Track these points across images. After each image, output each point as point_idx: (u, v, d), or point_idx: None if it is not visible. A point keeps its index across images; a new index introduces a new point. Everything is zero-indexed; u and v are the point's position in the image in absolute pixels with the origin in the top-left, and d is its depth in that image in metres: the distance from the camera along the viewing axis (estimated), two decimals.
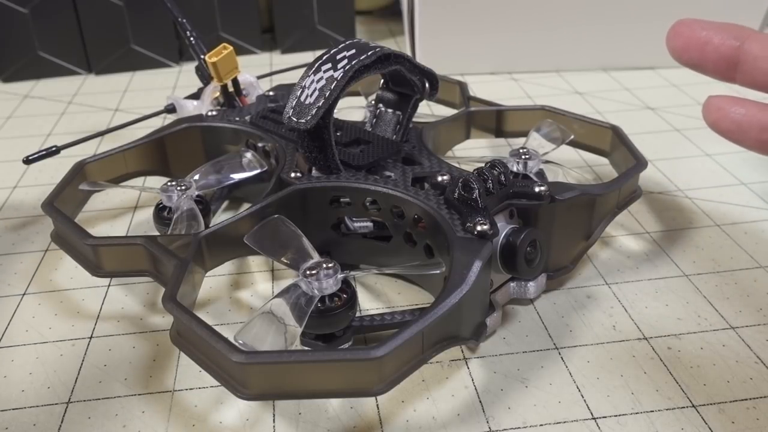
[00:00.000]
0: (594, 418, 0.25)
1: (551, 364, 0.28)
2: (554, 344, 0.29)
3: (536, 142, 0.36)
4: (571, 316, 0.30)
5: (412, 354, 0.24)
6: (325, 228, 0.32)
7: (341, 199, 0.31)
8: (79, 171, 0.34)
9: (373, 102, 0.36)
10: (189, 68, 0.62)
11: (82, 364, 0.29)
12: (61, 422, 0.26)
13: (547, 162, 0.35)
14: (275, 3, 0.63)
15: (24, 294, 0.33)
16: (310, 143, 0.31)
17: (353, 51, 0.30)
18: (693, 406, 0.26)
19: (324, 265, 0.26)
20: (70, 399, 0.27)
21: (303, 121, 0.29)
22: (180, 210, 0.32)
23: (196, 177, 0.34)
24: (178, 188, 0.33)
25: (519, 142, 0.39)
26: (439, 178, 0.30)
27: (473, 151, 0.45)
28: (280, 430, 0.25)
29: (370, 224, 0.32)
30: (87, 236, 0.29)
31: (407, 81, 0.33)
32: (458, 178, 0.28)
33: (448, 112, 0.41)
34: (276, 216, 0.29)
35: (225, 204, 0.39)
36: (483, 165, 0.29)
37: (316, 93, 0.29)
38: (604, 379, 0.27)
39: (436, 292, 0.30)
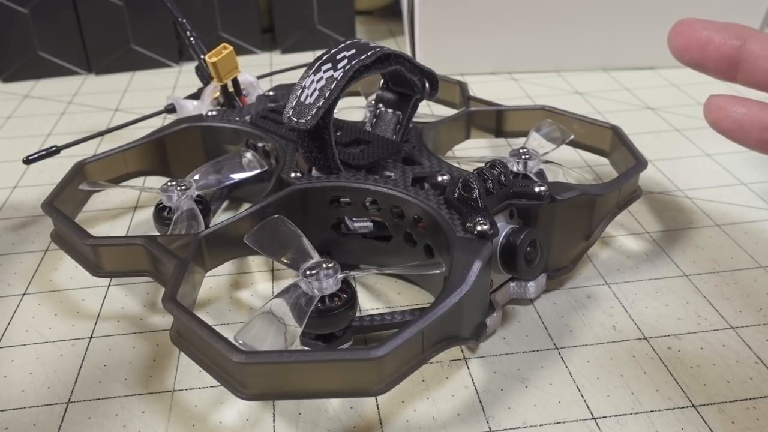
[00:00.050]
0: (594, 418, 0.25)
1: (551, 364, 0.28)
2: (554, 344, 0.29)
3: (536, 142, 0.36)
4: (571, 316, 0.30)
5: (412, 354, 0.24)
6: (325, 228, 0.32)
7: (341, 199, 0.31)
8: (79, 171, 0.34)
9: (373, 102, 0.36)
10: (189, 68, 0.62)
11: (82, 364, 0.29)
12: (61, 422, 0.26)
13: (547, 162, 0.35)
14: (275, 3, 0.63)
15: (24, 294, 0.33)
16: (310, 143, 0.31)
17: (353, 51, 0.30)
18: (693, 406, 0.26)
19: (324, 265, 0.26)
20: (70, 399, 0.27)
21: (303, 121, 0.29)
22: (180, 210, 0.32)
23: (196, 177, 0.34)
24: (178, 188, 0.33)
25: (519, 142, 0.39)
26: (439, 178, 0.30)
27: (473, 151, 0.45)
28: (280, 430, 0.25)
29: (370, 224, 0.32)
30: (87, 236, 0.29)
31: (407, 81, 0.33)
32: (458, 178, 0.28)
33: (448, 112, 0.41)
34: (276, 216, 0.29)
35: (225, 204, 0.39)
36: (483, 165, 0.29)
37: (316, 93, 0.29)
38: (604, 379, 0.27)
39: (436, 292, 0.30)
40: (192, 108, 0.40)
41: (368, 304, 0.32)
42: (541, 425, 0.25)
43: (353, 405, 0.26)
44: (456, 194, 0.28)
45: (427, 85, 0.33)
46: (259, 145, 0.36)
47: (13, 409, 0.26)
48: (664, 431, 0.25)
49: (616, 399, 0.26)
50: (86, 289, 0.33)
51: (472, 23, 0.55)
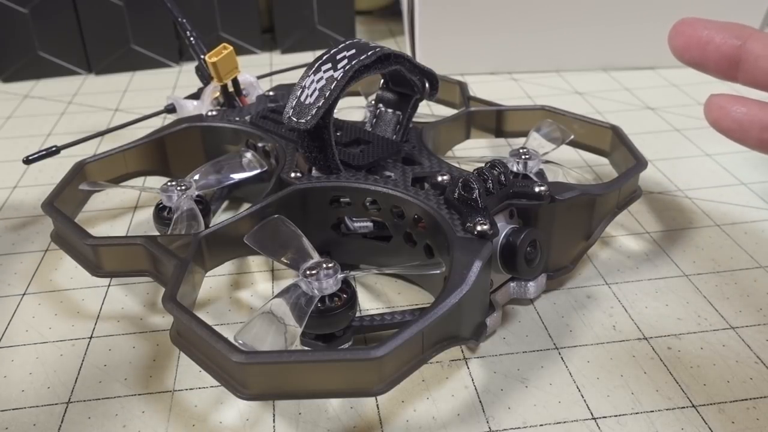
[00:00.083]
0: (594, 418, 0.25)
1: (551, 364, 0.28)
2: (554, 344, 0.29)
3: (536, 142, 0.36)
4: (571, 316, 0.30)
5: (412, 354, 0.24)
6: (325, 228, 0.32)
7: (341, 199, 0.31)
8: (79, 171, 0.34)
9: (373, 102, 0.36)
10: (189, 68, 0.62)
11: (82, 364, 0.29)
12: (61, 422, 0.26)
13: (547, 162, 0.35)
14: (275, 3, 0.63)
15: (24, 294, 0.33)
16: (310, 143, 0.31)
17: (353, 51, 0.30)
18: (693, 406, 0.26)
19: (324, 265, 0.26)
20: (70, 399, 0.27)
21: (303, 121, 0.29)
22: (180, 210, 0.32)
23: (196, 177, 0.34)
24: (178, 188, 0.33)
25: (519, 142, 0.39)
26: (439, 178, 0.30)
27: (473, 151, 0.45)
28: (280, 430, 0.25)
29: (370, 224, 0.32)
30: (87, 236, 0.29)
31: (407, 81, 0.33)
32: (458, 178, 0.28)
33: (448, 112, 0.41)
34: (276, 216, 0.29)
35: (225, 204, 0.39)
36: (483, 165, 0.29)
37: (316, 93, 0.29)
38: (604, 379, 0.27)
39: (436, 292, 0.30)
40: (192, 108, 0.40)
41: (368, 304, 0.32)
42: (541, 425, 0.25)
43: (353, 405, 0.26)
44: (456, 194, 0.28)
45: (427, 85, 0.33)
46: (259, 145, 0.36)
47: (13, 409, 0.26)
48: (664, 431, 0.25)
49: (616, 399, 0.26)
50: (86, 289, 0.33)
51: (472, 23, 0.55)
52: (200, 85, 0.41)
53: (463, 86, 0.41)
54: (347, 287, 0.27)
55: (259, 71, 0.46)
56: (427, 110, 0.48)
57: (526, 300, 0.31)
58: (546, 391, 0.27)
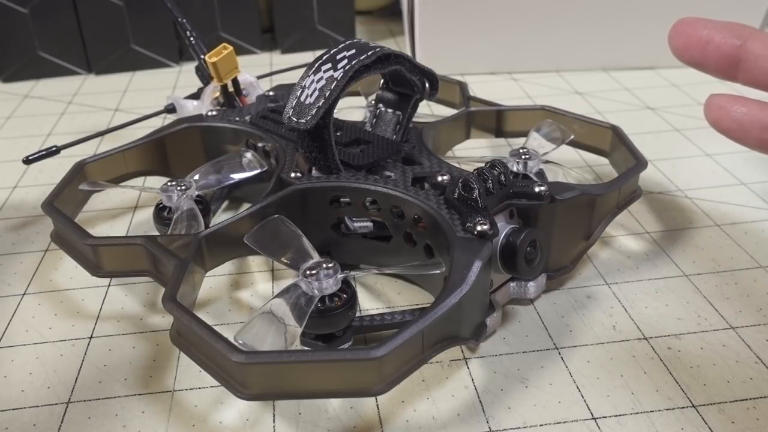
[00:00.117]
0: (594, 418, 0.25)
1: (551, 364, 0.28)
2: (554, 344, 0.29)
3: (536, 142, 0.36)
4: (571, 316, 0.30)
5: (412, 354, 0.24)
6: (325, 228, 0.32)
7: (341, 199, 0.31)
8: (79, 171, 0.34)
9: (373, 102, 0.36)
10: (189, 68, 0.62)
11: (82, 364, 0.29)
12: (61, 422, 0.26)
13: (547, 162, 0.35)
14: (275, 3, 0.63)
15: (24, 294, 0.33)
16: (310, 143, 0.31)
17: (353, 51, 0.30)
18: (693, 406, 0.26)
19: (324, 265, 0.26)
20: (70, 399, 0.27)
21: (303, 121, 0.29)
22: (180, 210, 0.32)
23: (196, 177, 0.34)
24: (178, 188, 0.33)
25: (519, 142, 0.39)
26: (439, 178, 0.30)
27: (473, 151, 0.45)
28: (280, 430, 0.25)
29: (370, 224, 0.32)
30: (87, 236, 0.29)
31: (407, 81, 0.33)
32: (458, 178, 0.28)
33: (448, 112, 0.41)
34: (276, 216, 0.29)
35: (225, 204, 0.39)
36: (483, 165, 0.29)
37: (316, 93, 0.29)
38: (604, 379, 0.27)
39: (436, 292, 0.30)
40: (192, 108, 0.40)
41: (368, 304, 0.32)
42: (541, 425, 0.25)
43: (353, 405, 0.26)
44: (456, 194, 0.28)
45: (427, 85, 0.33)
46: (259, 145, 0.36)
47: (13, 409, 0.26)
48: (664, 431, 0.25)
49: (616, 399, 0.26)
50: (86, 289, 0.33)
51: (472, 23, 0.55)
52: (200, 85, 0.41)
53: (463, 86, 0.41)
54: (347, 287, 0.27)
55: (259, 71, 0.46)
56: (427, 110, 0.48)
57: (526, 300, 0.31)
58: (546, 391, 0.27)
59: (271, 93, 0.40)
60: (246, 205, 0.38)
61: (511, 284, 0.30)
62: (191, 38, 0.42)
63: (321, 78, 0.30)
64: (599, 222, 0.32)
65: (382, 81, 0.35)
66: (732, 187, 0.40)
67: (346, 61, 0.30)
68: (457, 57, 0.57)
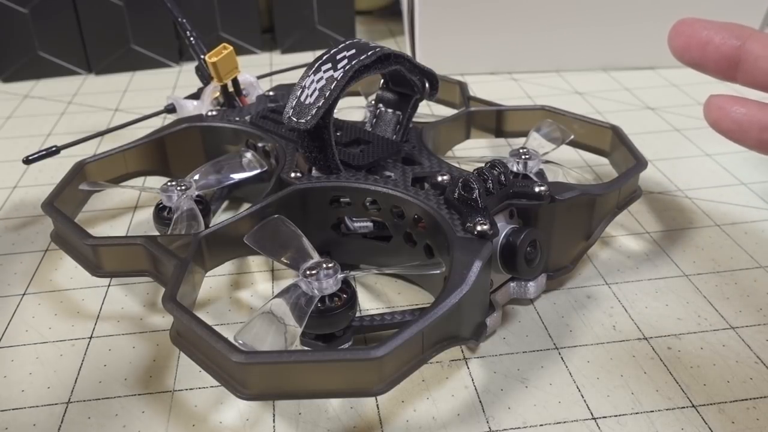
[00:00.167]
0: (594, 418, 0.25)
1: (551, 364, 0.28)
2: (554, 344, 0.29)
3: (536, 142, 0.36)
4: (571, 316, 0.30)
5: (412, 354, 0.24)
6: (325, 228, 0.32)
7: (341, 199, 0.31)
8: (79, 171, 0.34)
9: (373, 102, 0.36)
10: (189, 68, 0.62)
11: (82, 364, 0.29)
12: (61, 422, 0.26)
13: (547, 162, 0.35)
14: (275, 3, 0.63)
15: (24, 294, 0.33)
16: (310, 143, 0.31)
17: (353, 51, 0.30)
18: (693, 406, 0.26)
19: (324, 265, 0.26)
20: (70, 399, 0.27)
21: (303, 121, 0.29)
22: (180, 210, 0.32)
23: (196, 177, 0.34)
24: (178, 188, 0.33)
25: (519, 142, 0.39)
26: (439, 178, 0.30)
27: (473, 151, 0.45)
28: (280, 430, 0.25)
29: (370, 224, 0.32)
30: (87, 236, 0.29)
31: (407, 81, 0.33)
32: (458, 178, 0.28)
33: (448, 112, 0.41)
34: (276, 216, 0.29)
35: (225, 204, 0.39)
36: (483, 165, 0.29)
37: (316, 93, 0.29)
38: (604, 379, 0.27)
39: (436, 292, 0.30)
40: (192, 108, 0.40)
41: (368, 304, 0.32)
42: (541, 425, 0.25)
43: (353, 405, 0.26)
44: (456, 194, 0.28)
45: (427, 85, 0.33)
46: (259, 145, 0.36)
47: (13, 409, 0.26)
48: (664, 431, 0.25)
49: (616, 399, 0.26)
50: (86, 289, 0.33)
51: (472, 23, 0.55)
52: (200, 85, 0.41)
53: (463, 86, 0.41)
54: (347, 287, 0.27)
55: (259, 71, 0.46)
56: (427, 110, 0.48)
57: (526, 300, 0.31)
58: (546, 391, 0.27)
59: (271, 93, 0.40)
60: (246, 205, 0.38)
61: (511, 284, 0.30)
62: (191, 38, 0.42)
63: (321, 78, 0.30)
64: (599, 222, 0.32)
65: (382, 81, 0.35)
66: (732, 187, 0.40)
67: (346, 61, 0.30)
68: (457, 57, 0.57)
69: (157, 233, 0.34)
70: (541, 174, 0.35)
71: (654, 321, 0.30)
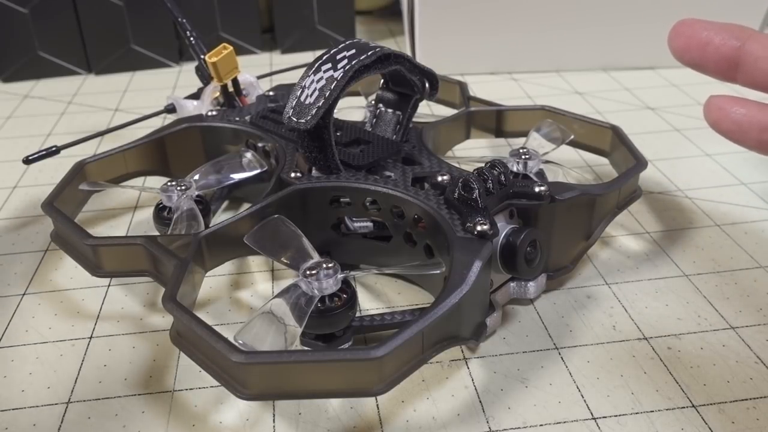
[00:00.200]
0: (594, 418, 0.25)
1: (551, 364, 0.28)
2: (554, 344, 0.29)
3: (536, 142, 0.36)
4: (571, 316, 0.30)
5: (412, 354, 0.24)
6: (325, 228, 0.32)
7: (341, 199, 0.31)
8: (79, 171, 0.34)
9: (373, 102, 0.36)
10: (189, 68, 0.62)
11: (82, 364, 0.29)
12: (61, 422, 0.26)
13: (547, 162, 0.35)
14: (275, 3, 0.63)
15: (24, 294, 0.33)
16: (310, 143, 0.31)
17: (353, 51, 0.30)
18: (693, 406, 0.26)
19: (324, 265, 0.26)
20: (70, 399, 0.27)
21: (303, 121, 0.29)
22: (180, 210, 0.32)
23: (196, 177, 0.34)
24: (178, 188, 0.33)
25: (519, 142, 0.39)
26: (439, 178, 0.30)
27: (473, 151, 0.45)
28: (280, 430, 0.25)
29: (370, 224, 0.32)
30: (87, 236, 0.29)
31: (407, 81, 0.33)
32: (458, 178, 0.28)
33: (448, 112, 0.41)
34: (276, 216, 0.29)
35: (225, 204, 0.39)
36: (483, 165, 0.29)
37: (316, 93, 0.29)
38: (604, 379, 0.27)
39: (436, 292, 0.30)
40: (192, 108, 0.40)
41: (368, 304, 0.32)
42: (541, 425, 0.25)
43: (353, 405, 0.26)
44: (456, 194, 0.28)
45: (427, 85, 0.33)
46: (259, 145, 0.36)
47: (13, 409, 0.26)
48: (664, 431, 0.25)
49: (616, 399, 0.26)
50: (86, 289, 0.33)
51: (472, 23, 0.55)
52: (200, 85, 0.41)
53: (463, 86, 0.41)
54: (347, 287, 0.27)
55: (259, 71, 0.46)
56: (427, 110, 0.48)
57: (526, 300, 0.31)
58: (546, 391, 0.27)
59: (271, 93, 0.40)
60: (246, 205, 0.38)
61: (511, 284, 0.30)
62: (191, 38, 0.42)
63: (321, 78, 0.30)
64: (599, 222, 0.32)
65: (382, 81, 0.35)
66: (732, 187, 0.40)
67: (346, 61, 0.30)
68: (457, 57, 0.57)
69: (157, 233, 0.34)
70: (541, 174, 0.35)
71: (654, 321, 0.30)
